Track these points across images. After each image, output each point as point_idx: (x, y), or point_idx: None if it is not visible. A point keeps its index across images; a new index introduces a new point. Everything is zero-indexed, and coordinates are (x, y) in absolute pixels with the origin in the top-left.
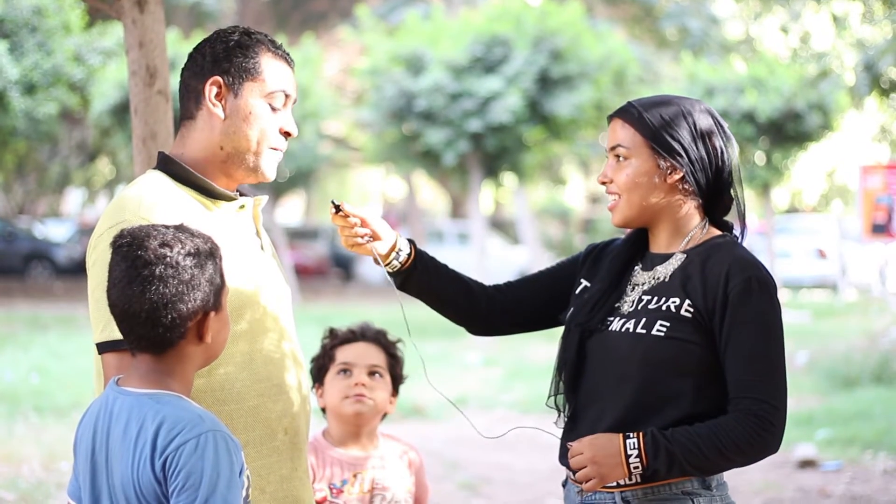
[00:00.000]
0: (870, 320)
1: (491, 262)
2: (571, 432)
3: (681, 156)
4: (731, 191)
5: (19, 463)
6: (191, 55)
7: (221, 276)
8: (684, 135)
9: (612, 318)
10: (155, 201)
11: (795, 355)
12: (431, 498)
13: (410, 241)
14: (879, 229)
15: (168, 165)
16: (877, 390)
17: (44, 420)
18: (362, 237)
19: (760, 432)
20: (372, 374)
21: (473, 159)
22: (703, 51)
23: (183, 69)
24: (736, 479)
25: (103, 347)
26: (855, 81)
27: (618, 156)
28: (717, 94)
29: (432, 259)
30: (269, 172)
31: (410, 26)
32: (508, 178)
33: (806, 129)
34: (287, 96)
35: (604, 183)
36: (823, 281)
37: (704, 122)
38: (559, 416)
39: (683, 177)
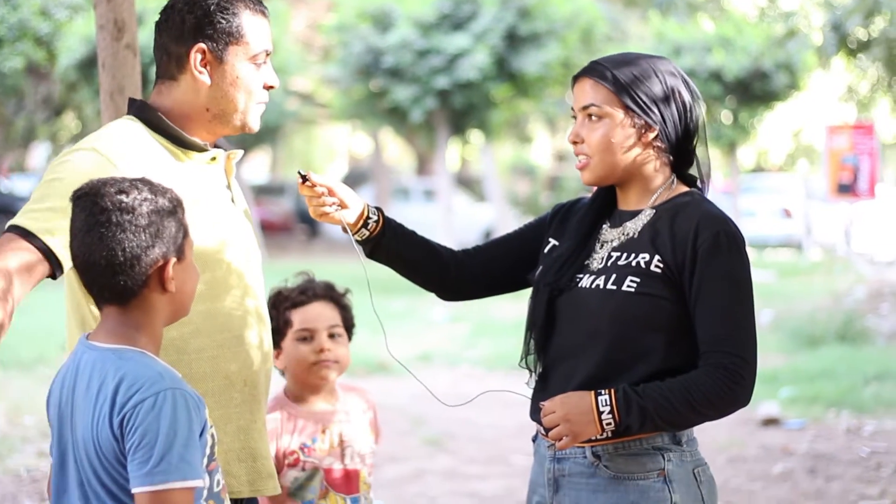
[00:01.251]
0: (834, 280)
1: (457, 220)
2: (542, 391)
3: (655, 113)
4: (698, 147)
5: None
6: (167, 14)
7: (183, 226)
8: (657, 92)
9: (581, 276)
10: (112, 139)
11: (760, 314)
12: (397, 453)
13: (378, 209)
14: (845, 189)
15: (142, 112)
16: (841, 349)
17: (8, 374)
18: (330, 206)
19: (731, 385)
20: (332, 335)
21: (440, 116)
22: (671, 10)
23: (159, 28)
24: (700, 436)
25: (9, 228)
26: (822, 41)
27: (590, 115)
28: (684, 53)
29: (400, 226)
30: (255, 124)
31: None
32: (475, 135)
33: (773, 88)
34: (268, 53)
35: (574, 143)
36: (789, 240)
37: (672, 78)
38: (531, 375)
39: (657, 134)
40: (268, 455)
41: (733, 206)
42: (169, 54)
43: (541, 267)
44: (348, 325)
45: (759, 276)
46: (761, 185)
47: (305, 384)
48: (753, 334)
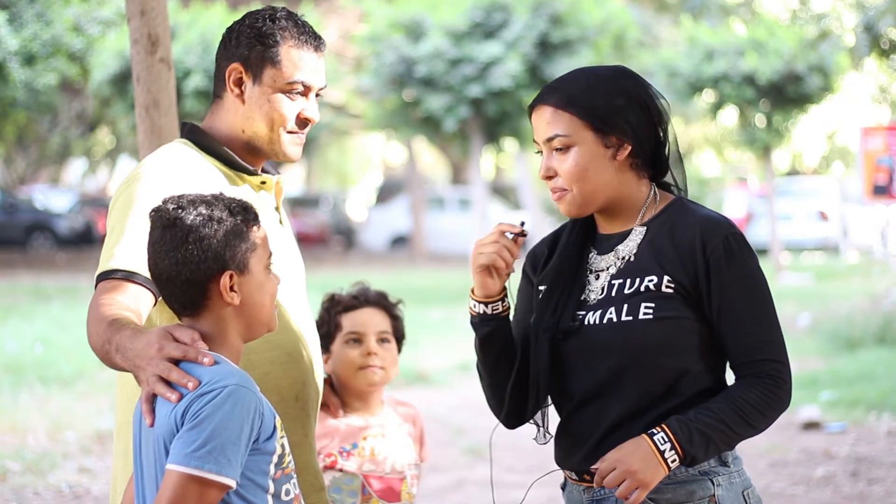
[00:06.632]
0: (872, 282)
1: (492, 228)
2: (567, 437)
3: (625, 129)
4: (669, 149)
5: (24, 433)
6: (227, 33)
7: (251, 239)
8: (621, 103)
9: (582, 313)
10: (165, 163)
11: (798, 317)
12: (437, 463)
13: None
14: (881, 191)
15: (194, 135)
16: (880, 352)
17: (48, 390)
18: (505, 266)
19: (776, 391)
20: (381, 340)
21: (474, 125)
22: (703, 14)
23: (219, 46)
24: (741, 442)
25: (97, 278)
26: (855, 42)
27: (557, 147)
28: (717, 58)
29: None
30: (292, 154)
31: None
32: (509, 143)
33: (806, 90)
34: (307, 87)
35: (548, 177)
36: (825, 243)
37: (633, 84)
38: (538, 431)
39: (632, 150)
40: (318, 469)
41: (769, 210)
42: (218, 70)
43: (535, 313)
44: (398, 336)
45: (796, 280)
46: (797, 188)
47: (351, 389)
48: (781, 333)
